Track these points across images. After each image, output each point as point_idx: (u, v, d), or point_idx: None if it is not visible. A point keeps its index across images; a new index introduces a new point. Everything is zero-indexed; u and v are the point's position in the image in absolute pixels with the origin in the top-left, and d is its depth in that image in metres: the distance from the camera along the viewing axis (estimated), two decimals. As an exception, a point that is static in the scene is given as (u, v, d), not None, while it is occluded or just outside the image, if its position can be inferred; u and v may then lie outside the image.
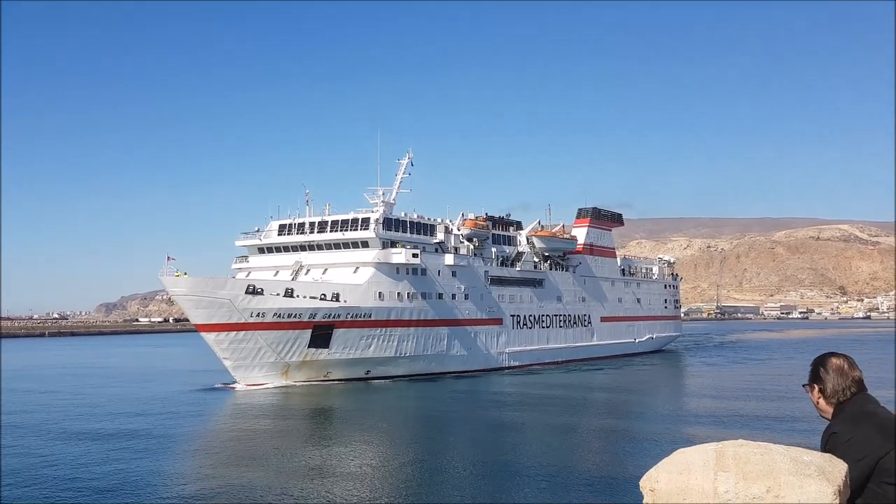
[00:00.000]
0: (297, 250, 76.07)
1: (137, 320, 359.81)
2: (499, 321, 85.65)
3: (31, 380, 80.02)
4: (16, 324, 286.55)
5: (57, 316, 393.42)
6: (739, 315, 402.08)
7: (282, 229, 77.88)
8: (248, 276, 75.09)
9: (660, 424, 47.12)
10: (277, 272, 75.08)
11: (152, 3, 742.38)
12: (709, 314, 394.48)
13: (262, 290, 65.54)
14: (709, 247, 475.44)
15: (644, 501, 4.74)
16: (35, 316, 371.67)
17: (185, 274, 64.23)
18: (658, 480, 4.69)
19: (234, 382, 67.50)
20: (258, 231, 78.90)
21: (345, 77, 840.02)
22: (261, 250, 78.17)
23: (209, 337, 65.74)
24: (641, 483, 4.80)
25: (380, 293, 71.57)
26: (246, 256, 79.01)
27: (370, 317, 70.57)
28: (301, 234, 76.18)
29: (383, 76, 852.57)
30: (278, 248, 77.17)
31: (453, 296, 79.40)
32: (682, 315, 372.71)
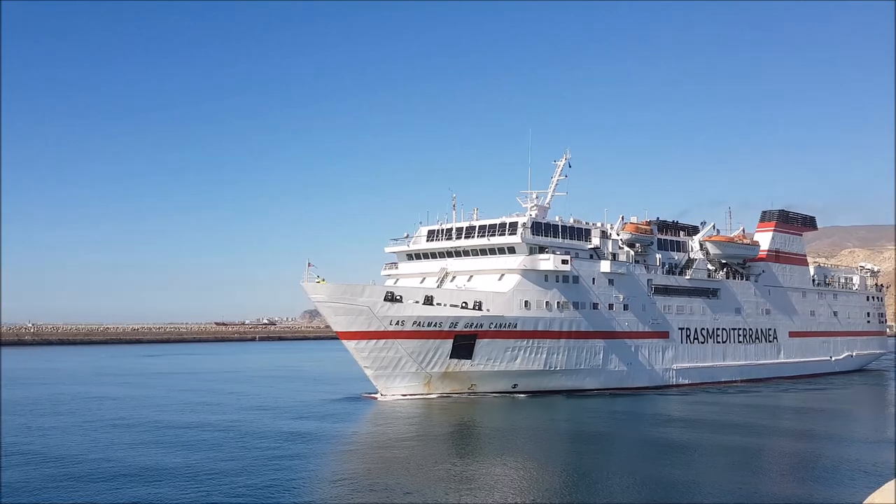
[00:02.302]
0: (444, 256, 73.28)
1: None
2: (664, 334, 78.61)
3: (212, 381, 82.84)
4: (230, 328, 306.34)
5: (266, 321, 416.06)
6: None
7: (430, 235, 75.41)
8: (396, 282, 73.28)
9: (872, 449, 42.82)
10: (424, 279, 72.69)
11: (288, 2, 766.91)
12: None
13: (401, 297, 63.14)
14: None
15: None
16: (247, 322, 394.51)
17: (324, 280, 63.04)
18: None
19: (376, 392, 65.67)
20: (407, 237, 76.88)
21: (497, 73, 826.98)
22: (409, 256, 76.09)
23: (350, 345, 64.18)
24: None
25: (526, 302, 67.16)
26: (395, 263, 77.22)
27: (515, 327, 66.34)
28: (448, 239, 73.30)
29: (540, 70, 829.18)
30: (425, 255, 74.74)
31: (610, 306, 73.46)
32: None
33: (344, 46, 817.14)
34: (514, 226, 69.72)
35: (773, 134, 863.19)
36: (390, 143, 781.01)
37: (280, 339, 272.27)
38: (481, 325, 64.85)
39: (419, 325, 63.20)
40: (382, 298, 62.62)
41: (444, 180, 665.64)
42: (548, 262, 67.72)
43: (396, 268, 76.68)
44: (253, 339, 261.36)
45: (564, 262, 68.05)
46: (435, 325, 63.54)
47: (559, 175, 76.99)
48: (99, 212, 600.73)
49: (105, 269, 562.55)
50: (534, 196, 75.12)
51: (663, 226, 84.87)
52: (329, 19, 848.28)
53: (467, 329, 64.45)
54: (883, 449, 42.95)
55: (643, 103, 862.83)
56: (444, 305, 63.99)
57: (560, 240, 71.43)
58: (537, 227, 70.38)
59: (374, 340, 63.27)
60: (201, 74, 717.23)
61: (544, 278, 68.46)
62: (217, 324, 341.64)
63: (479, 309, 64.69)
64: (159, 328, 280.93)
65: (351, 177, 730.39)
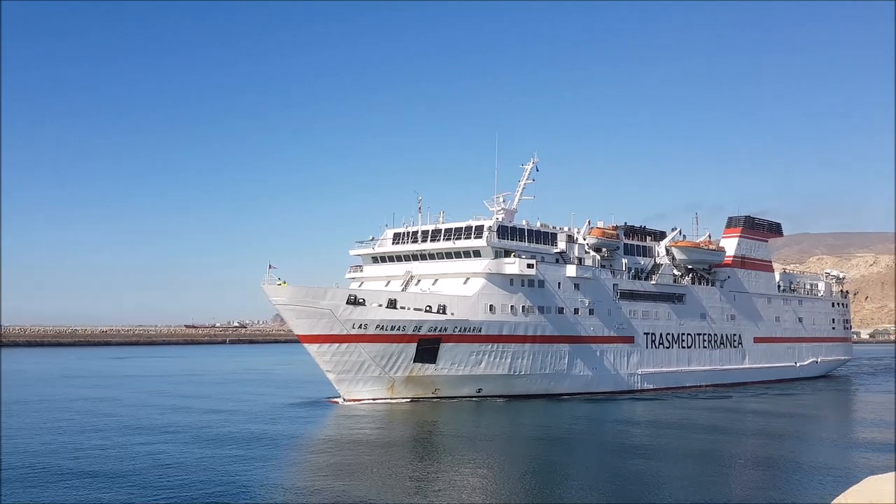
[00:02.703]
0: (409, 260, 72.64)
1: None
2: (630, 339, 78.57)
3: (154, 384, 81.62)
4: (199, 332, 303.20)
5: (237, 324, 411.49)
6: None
7: (396, 238, 74.74)
8: (360, 285, 72.65)
9: (837, 452, 43.75)
10: (389, 282, 72.02)
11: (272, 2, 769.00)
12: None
13: (364, 300, 62.46)
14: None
15: None
16: (217, 324, 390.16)
17: (286, 283, 62.20)
18: None
19: (338, 397, 64.93)
20: (373, 240, 76.15)
21: (467, 75, 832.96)
22: (374, 259, 75.36)
23: (311, 348, 63.37)
24: None
25: (490, 306, 66.73)
26: (360, 266, 76.47)
27: (480, 331, 65.89)
28: (413, 242, 72.69)
29: (509, 74, 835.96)
30: (391, 258, 74.05)
31: (576, 310, 73.26)
32: (868, 337, 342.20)
33: (344, 46, 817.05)
34: (479, 229, 69.24)
35: (751, 140, 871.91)
36: (390, 143, 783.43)
37: (251, 342, 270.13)
38: (445, 329, 64.32)
39: (382, 328, 62.55)
40: (345, 301, 61.91)
41: (444, 180, 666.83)
42: (513, 266, 67.33)
43: (361, 271, 75.98)
44: (223, 342, 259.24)
45: (530, 266, 67.70)
46: (398, 329, 62.92)
47: (526, 179, 76.72)
48: (83, 213, 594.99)
49: (79, 270, 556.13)
50: (500, 200, 74.80)
51: (630, 231, 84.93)
52: (329, 19, 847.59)
53: (431, 333, 63.88)
54: (849, 452, 43.51)
55: (631, 107, 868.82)
56: (408, 309, 63.39)
57: (526, 244, 71.08)
58: (503, 231, 69.96)
59: (337, 344, 62.53)
60: (201, 74, 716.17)
61: (509, 282, 68.09)
62: (187, 326, 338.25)
63: (444, 313, 64.16)
64: (128, 330, 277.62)
65: (351, 177, 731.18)
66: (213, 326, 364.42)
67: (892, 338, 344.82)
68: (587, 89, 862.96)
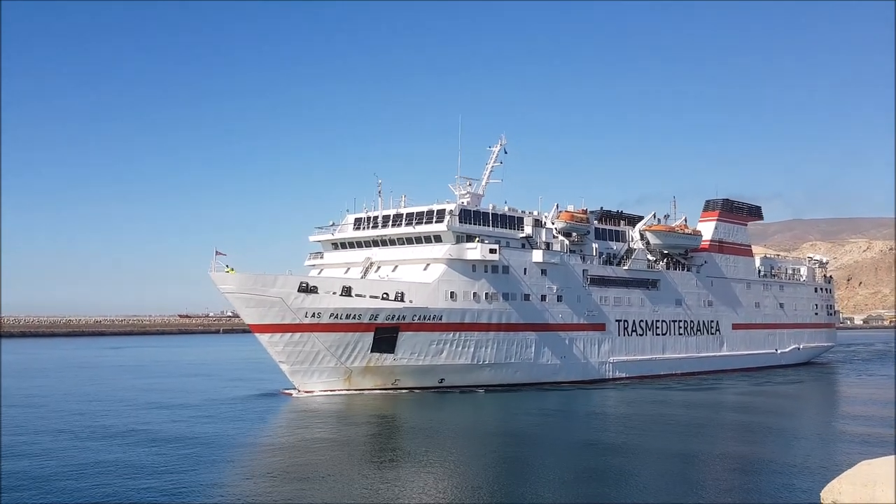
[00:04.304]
0: (370, 246, 70.09)
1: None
2: (601, 327, 76.14)
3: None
4: (193, 321, 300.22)
5: (230, 314, 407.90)
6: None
7: (357, 223, 72.18)
8: (320, 272, 70.20)
9: (826, 438, 43.82)
10: (349, 269, 69.51)
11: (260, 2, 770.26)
12: (891, 322, 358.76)
13: (317, 288, 59.90)
14: (891, 248, 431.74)
15: None
16: (211, 314, 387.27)
17: (233, 270, 59.56)
18: (841, 493, 4.81)
19: (293, 388, 62.45)
20: (333, 225, 73.56)
21: (433, 60, 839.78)
22: (334, 246, 72.80)
23: (263, 338, 60.92)
24: (823, 494, 4.99)
25: (451, 293, 64.22)
26: (320, 253, 73.89)
27: (441, 319, 63.40)
28: (374, 228, 70.12)
29: (476, 57, 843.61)
30: (351, 244, 71.49)
31: (543, 297, 70.75)
32: (861, 323, 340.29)
33: (306, 36, 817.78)
34: (441, 213, 66.67)
35: (747, 128, 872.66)
36: (357, 127, 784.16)
37: (244, 331, 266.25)
38: (403, 318, 61.84)
39: (337, 317, 60.04)
40: (296, 289, 59.36)
41: (410, 164, 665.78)
42: (475, 251, 64.79)
43: (322, 257, 73.42)
44: (217, 332, 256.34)
45: (493, 251, 65.18)
46: (354, 318, 60.41)
47: (494, 161, 74.20)
48: (71, 202, 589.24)
49: (71, 260, 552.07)
50: (467, 183, 72.26)
51: (606, 215, 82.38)
52: (291, 10, 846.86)
53: (388, 321, 61.39)
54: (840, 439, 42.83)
55: (618, 90, 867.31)
56: (364, 296, 60.86)
57: (490, 228, 68.51)
58: (465, 215, 67.38)
59: (289, 334, 60.02)
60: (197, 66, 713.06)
61: (471, 268, 65.55)
62: (181, 316, 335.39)
63: (402, 300, 61.65)
64: (122, 320, 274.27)
65: (317, 160, 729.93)
66: (207, 316, 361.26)
67: (887, 323, 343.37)
68: (572, 78, 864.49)
